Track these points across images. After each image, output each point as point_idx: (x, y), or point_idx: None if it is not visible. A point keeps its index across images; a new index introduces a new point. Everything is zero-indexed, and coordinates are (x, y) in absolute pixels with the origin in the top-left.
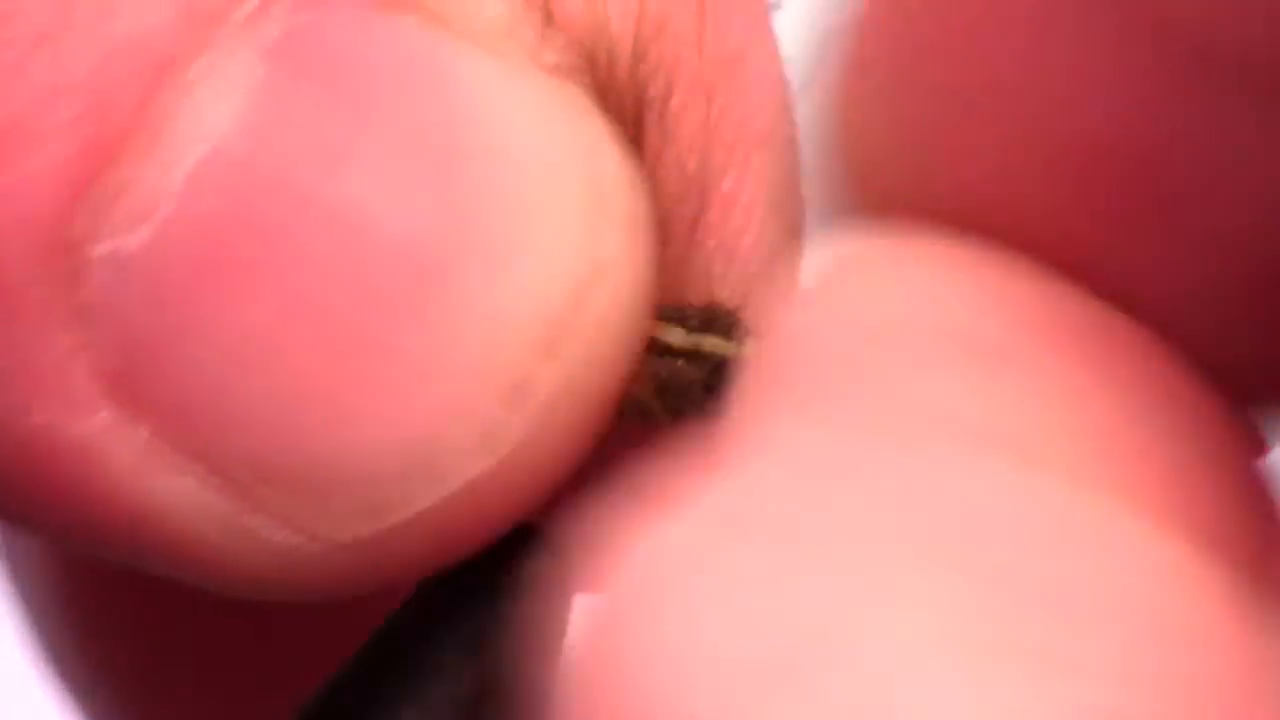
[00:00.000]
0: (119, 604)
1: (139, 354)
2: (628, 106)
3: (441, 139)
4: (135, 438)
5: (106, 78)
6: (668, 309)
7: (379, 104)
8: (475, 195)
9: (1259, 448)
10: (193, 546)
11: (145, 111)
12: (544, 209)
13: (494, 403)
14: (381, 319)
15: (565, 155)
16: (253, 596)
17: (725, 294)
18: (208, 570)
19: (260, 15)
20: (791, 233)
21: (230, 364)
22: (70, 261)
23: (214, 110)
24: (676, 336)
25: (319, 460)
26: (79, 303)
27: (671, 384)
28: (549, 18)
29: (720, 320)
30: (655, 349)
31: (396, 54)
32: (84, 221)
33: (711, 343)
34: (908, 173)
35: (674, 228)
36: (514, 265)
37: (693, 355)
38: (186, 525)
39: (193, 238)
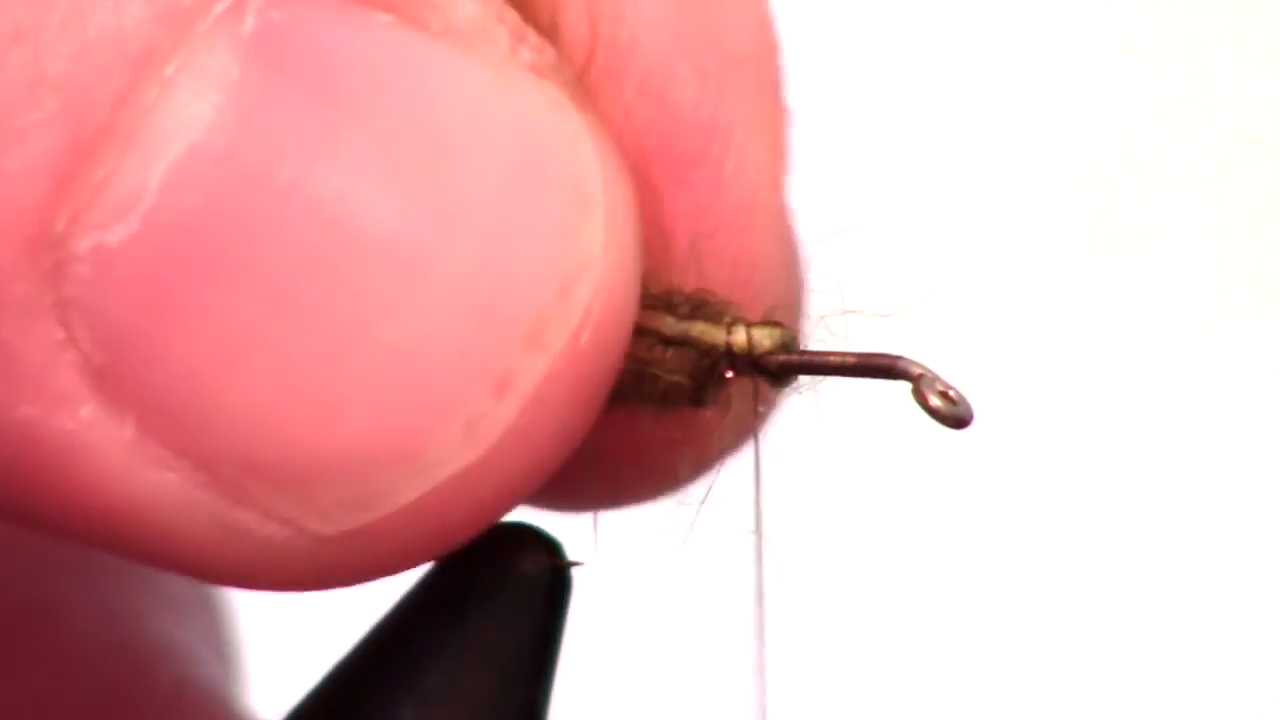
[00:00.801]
0: None
1: (124, 348)
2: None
3: (421, 134)
4: (121, 433)
5: (84, 73)
6: (657, 297)
7: (358, 99)
8: (457, 190)
9: None
10: (179, 540)
11: (124, 107)
12: (526, 203)
13: (480, 395)
14: (364, 312)
15: (545, 151)
16: (241, 589)
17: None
18: (194, 563)
19: (235, 11)
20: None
21: (214, 358)
22: (54, 256)
23: (192, 105)
24: (666, 324)
25: (304, 454)
26: (63, 297)
27: (660, 371)
28: (522, 19)
29: (709, 307)
30: (643, 336)
31: (373, 50)
32: (66, 216)
33: (700, 329)
34: None
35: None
36: (497, 258)
37: (681, 343)
38: (172, 520)
39: (174, 231)
